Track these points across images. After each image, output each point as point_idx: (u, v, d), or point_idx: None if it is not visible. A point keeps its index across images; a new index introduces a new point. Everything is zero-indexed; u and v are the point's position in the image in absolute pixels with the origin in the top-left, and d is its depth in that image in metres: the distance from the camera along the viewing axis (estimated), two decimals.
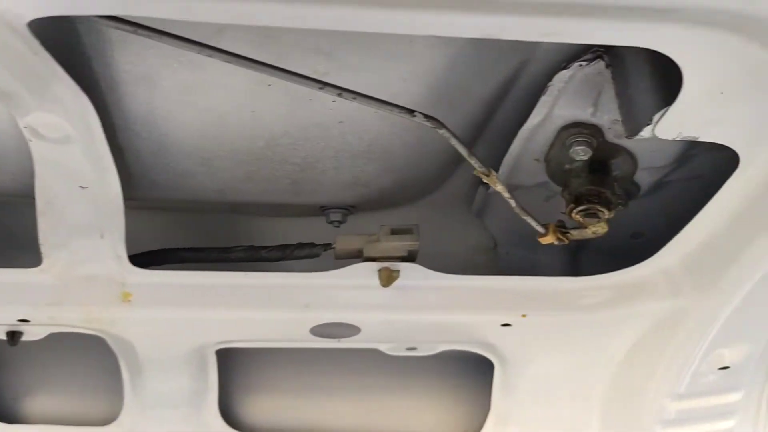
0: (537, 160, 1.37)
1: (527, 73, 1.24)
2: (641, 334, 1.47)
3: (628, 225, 1.58)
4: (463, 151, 1.08)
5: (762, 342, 1.44)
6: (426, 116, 1.01)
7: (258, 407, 1.80)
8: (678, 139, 0.99)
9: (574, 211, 1.30)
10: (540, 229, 1.31)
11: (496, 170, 1.43)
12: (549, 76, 1.19)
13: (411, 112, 1.00)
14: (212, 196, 1.37)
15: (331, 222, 1.52)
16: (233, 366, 1.76)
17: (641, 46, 0.84)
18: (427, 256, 1.50)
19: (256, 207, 1.51)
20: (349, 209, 1.52)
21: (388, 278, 1.32)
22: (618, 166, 1.33)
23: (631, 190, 1.42)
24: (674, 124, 0.96)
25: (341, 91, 0.95)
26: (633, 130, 1.03)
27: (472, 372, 1.75)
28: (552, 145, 1.31)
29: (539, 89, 1.21)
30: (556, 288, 1.41)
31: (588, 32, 0.82)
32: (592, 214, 1.29)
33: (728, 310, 1.32)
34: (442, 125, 1.03)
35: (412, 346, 1.62)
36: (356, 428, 1.76)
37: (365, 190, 1.40)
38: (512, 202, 1.22)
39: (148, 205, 1.49)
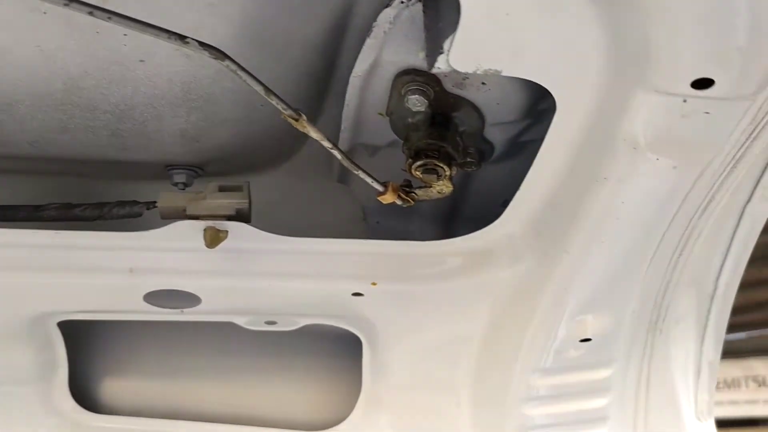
0: (381, 114, 1.28)
1: (357, 15, 1.14)
2: (499, 305, 1.37)
3: (498, 193, 1.49)
4: (259, 89, 0.97)
5: (624, 311, 1.35)
6: (202, 44, 0.90)
7: (115, 387, 1.68)
8: (480, 72, 0.89)
9: (413, 166, 1.20)
10: (378, 188, 1.22)
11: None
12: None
13: (182, 38, 0.89)
14: (27, 150, 1.25)
15: (176, 184, 1.41)
16: (87, 342, 1.65)
17: None
18: (293, 227, 1.40)
19: (89, 166, 1.40)
20: (196, 170, 1.41)
21: (213, 238, 1.21)
22: (463, 121, 1.23)
23: (484, 149, 1.32)
24: (468, 54, 0.87)
25: (92, 9, 0.84)
26: (430, 62, 0.94)
27: (346, 351, 1.65)
28: (391, 97, 1.21)
29: None
30: (403, 253, 1.32)
31: None
32: (431, 170, 1.20)
33: (579, 276, 1.23)
34: (224, 56, 0.92)
35: (270, 320, 1.52)
36: (219, 411, 1.65)
37: (199, 146, 1.30)
38: (337, 154, 1.12)
39: None
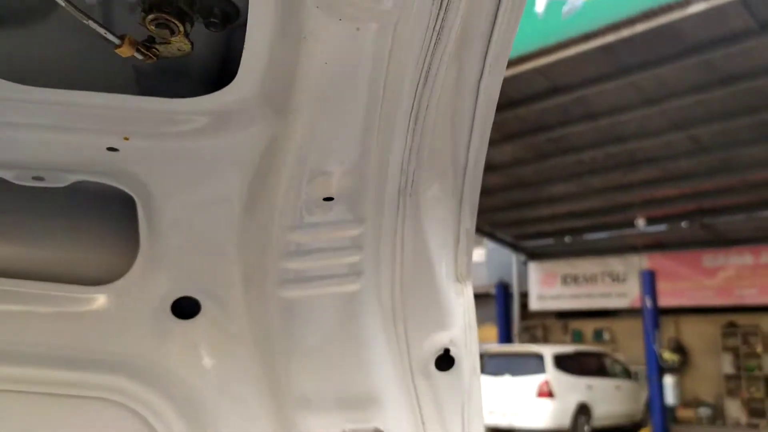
0: None
1: None
2: (248, 165, 1.46)
3: None
4: None
5: (363, 172, 1.47)
6: None
7: None
8: None
9: (146, 19, 1.24)
10: (114, 40, 1.25)
11: None
12: None
13: None
14: None
15: None
16: None
17: None
18: (60, 79, 1.39)
19: None
20: None
21: None
22: None
23: (229, 11, 1.37)
24: None
25: None
26: None
27: (128, 210, 1.69)
28: None
29: None
30: (148, 108, 1.36)
31: None
32: (163, 25, 1.24)
33: (309, 135, 1.33)
34: None
35: (37, 175, 1.54)
36: None
37: None
38: (61, 1, 1.14)
39: None
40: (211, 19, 1.31)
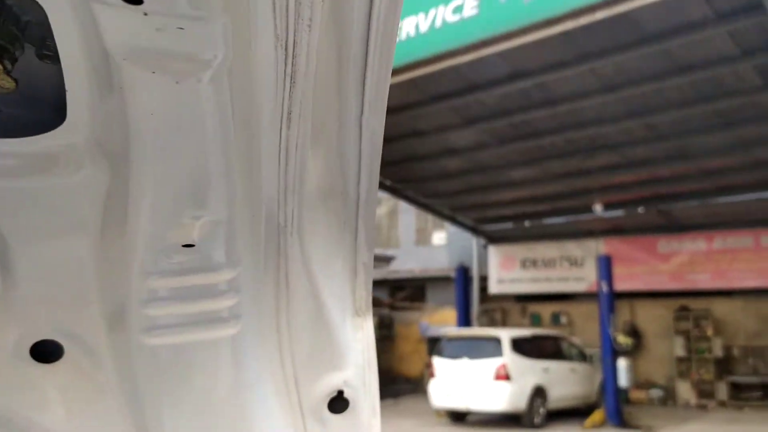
0: None
1: None
2: (94, 212, 1.32)
3: None
4: None
5: (228, 217, 1.35)
6: None
7: None
8: None
9: None
10: None
11: None
12: None
13: None
14: None
15: None
16: None
17: None
18: None
19: None
20: None
21: None
22: (23, 10, 1.11)
23: None
24: None
25: None
26: None
27: None
28: None
29: None
30: None
31: None
32: None
33: (153, 184, 1.20)
34: None
35: None
36: None
37: None
38: None
39: None
40: (44, 51, 1.16)
